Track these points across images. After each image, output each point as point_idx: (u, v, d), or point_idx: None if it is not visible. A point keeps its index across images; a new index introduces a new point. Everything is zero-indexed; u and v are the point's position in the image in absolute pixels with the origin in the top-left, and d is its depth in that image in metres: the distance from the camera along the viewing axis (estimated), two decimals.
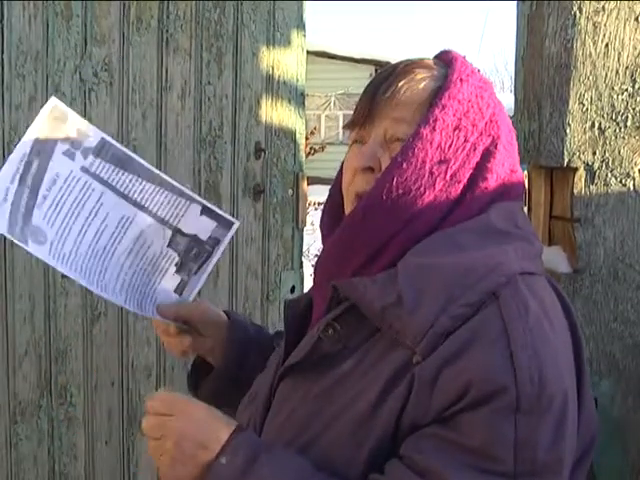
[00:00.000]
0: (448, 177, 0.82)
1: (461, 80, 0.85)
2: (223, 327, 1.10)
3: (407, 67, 0.87)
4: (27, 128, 1.64)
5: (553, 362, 0.74)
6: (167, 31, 1.91)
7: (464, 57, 0.90)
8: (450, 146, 0.82)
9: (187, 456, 0.79)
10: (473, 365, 0.72)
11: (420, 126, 0.82)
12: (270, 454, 0.78)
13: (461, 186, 0.83)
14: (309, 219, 2.93)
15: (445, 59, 0.90)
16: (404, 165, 0.81)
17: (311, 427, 0.81)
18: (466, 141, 0.83)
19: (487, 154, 0.84)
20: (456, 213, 0.82)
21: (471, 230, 0.81)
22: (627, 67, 1.57)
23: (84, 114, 1.77)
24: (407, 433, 0.75)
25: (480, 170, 0.84)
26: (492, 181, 0.84)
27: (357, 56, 14.32)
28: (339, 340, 0.82)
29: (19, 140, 1.64)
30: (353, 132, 0.89)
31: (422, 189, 0.81)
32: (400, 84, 0.85)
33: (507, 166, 0.86)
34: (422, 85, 0.85)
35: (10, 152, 1.65)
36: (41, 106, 1.66)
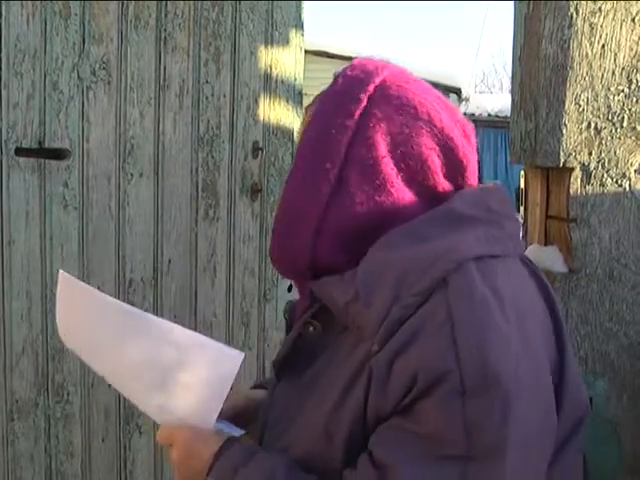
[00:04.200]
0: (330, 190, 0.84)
1: (334, 83, 0.90)
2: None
3: None
4: (25, 126, 1.65)
5: (499, 343, 0.75)
6: (165, 30, 1.91)
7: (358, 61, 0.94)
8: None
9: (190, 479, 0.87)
10: (420, 353, 0.74)
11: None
12: (246, 467, 0.82)
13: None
14: None
15: None
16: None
17: (294, 423, 0.85)
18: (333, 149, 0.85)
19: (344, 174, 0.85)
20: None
21: (431, 220, 0.82)
22: (623, 68, 1.57)
23: (82, 113, 1.77)
24: (373, 424, 0.77)
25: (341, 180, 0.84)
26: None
27: (356, 55, 14.27)
28: (318, 337, 0.86)
29: (17, 139, 1.64)
30: None
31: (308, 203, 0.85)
32: None
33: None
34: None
35: (8, 150, 1.66)
36: (39, 105, 1.67)
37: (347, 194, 0.84)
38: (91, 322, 0.92)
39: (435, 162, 0.85)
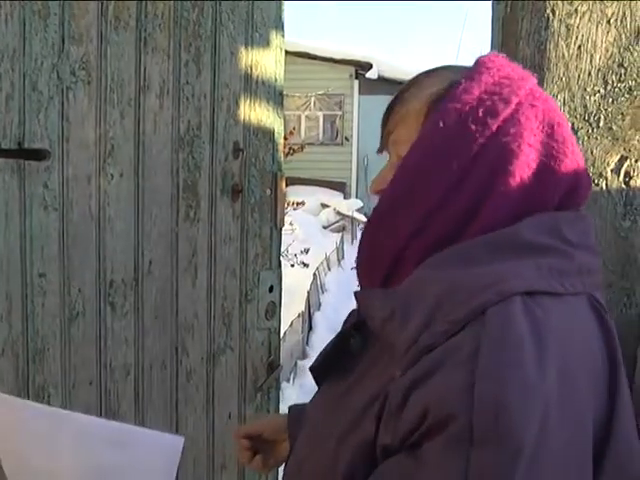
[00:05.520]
0: (445, 189, 0.77)
1: (471, 79, 0.78)
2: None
3: (419, 76, 0.84)
4: (4, 127, 1.64)
5: (520, 395, 0.66)
6: (145, 30, 1.91)
7: (496, 57, 0.83)
8: (443, 155, 0.77)
9: None
10: (434, 389, 0.67)
11: (414, 144, 0.79)
12: None
13: (466, 196, 0.77)
14: (287, 219, 2.94)
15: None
16: (395, 184, 0.80)
17: (315, 434, 0.82)
18: (467, 146, 0.76)
19: (502, 157, 0.76)
20: (474, 224, 0.77)
21: (490, 243, 0.75)
22: (599, 69, 1.60)
23: (62, 113, 1.76)
24: (381, 456, 0.72)
25: (494, 176, 0.77)
26: (514, 187, 0.76)
27: (337, 57, 14.35)
28: (358, 348, 0.82)
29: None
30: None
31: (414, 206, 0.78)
32: (405, 96, 0.82)
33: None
34: (424, 92, 0.81)
35: None
36: (18, 105, 1.66)
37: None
38: (21, 437, 0.84)
39: (558, 187, 0.79)
